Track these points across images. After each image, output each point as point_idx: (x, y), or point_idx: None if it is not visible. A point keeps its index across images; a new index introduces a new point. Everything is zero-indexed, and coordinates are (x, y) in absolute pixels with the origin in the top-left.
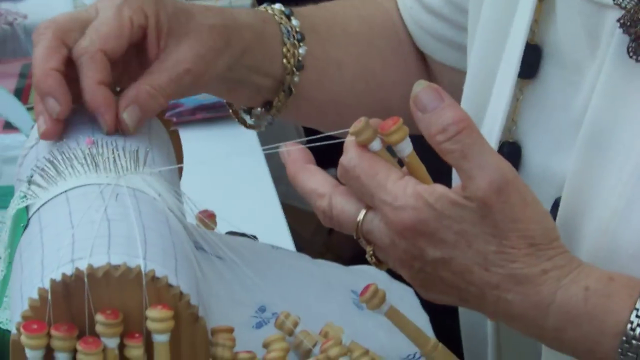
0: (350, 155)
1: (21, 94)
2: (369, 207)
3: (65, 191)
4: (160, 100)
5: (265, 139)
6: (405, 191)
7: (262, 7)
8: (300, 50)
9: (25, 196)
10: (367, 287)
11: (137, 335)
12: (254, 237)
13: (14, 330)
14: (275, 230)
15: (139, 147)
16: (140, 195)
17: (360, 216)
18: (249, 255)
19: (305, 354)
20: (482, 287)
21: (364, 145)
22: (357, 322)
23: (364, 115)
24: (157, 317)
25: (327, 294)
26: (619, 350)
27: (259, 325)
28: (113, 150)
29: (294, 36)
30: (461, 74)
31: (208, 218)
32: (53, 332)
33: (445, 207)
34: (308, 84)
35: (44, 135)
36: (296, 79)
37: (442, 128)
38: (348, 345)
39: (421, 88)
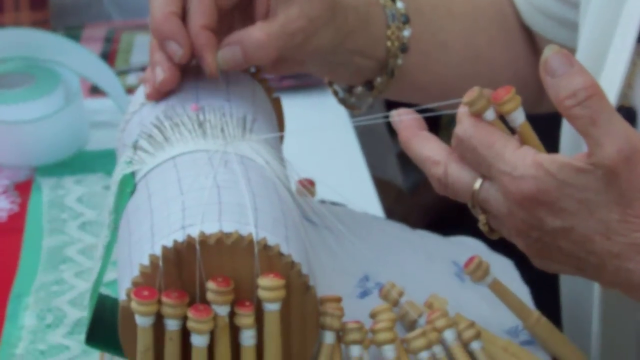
0: (465, 126)
1: (107, 58)
2: (485, 177)
3: (173, 157)
4: (268, 50)
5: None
6: (525, 161)
7: None
8: (405, 33)
9: (131, 161)
10: (471, 259)
11: (247, 303)
12: (344, 205)
13: (122, 296)
14: (364, 199)
15: (245, 114)
16: (248, 163)
17: (477, 185)
18: (352, 224)
19: (411, 325)
20: (602, 256)
21: (477, 115)
22: (460, 294)
23: None
24: (268, 286)
25: (429, 265)
26: None
27: (362, 295)
28: (220, 116)
29: (398, 18)
30: (571, 52)
31: (308, 186)
32: (164, 298)
33: (568, 175)
34: (412, 66)
35: (163, 85)
36: (399, 61)
37: (571, 92)
38: (453, 317)
39: (551, 52)
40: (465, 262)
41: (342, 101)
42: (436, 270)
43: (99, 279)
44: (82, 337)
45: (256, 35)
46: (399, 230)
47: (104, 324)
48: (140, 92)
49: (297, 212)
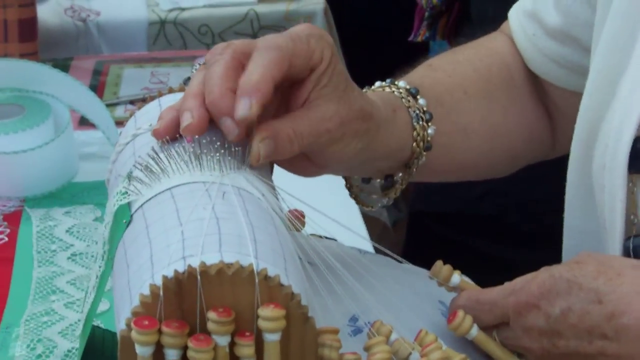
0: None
1: (95, 90)
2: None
3: (170, 188)
4: (294, 147)
5: None
6: (515, 282)
7: (387, 87)
8: (429, 131)
9: (127, 192)
10: (454, 314)
11: (247, 333)
12: (334, 240)
13: (122, 326)
14: (353, 235)
15: (240, 147)
16: (245, 195)
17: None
18: (341, 260)
19: None
20: (603, 329)
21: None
22: (448, 333)
23: (487, 170)
24: (269, 316)
25: (417, 305)
26: None
27: (354, 333)
28: (215, 149)
29: (422, 117)
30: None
31: (296, 219)
32: (164, 328)
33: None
34: (434, 159)
35: (187, 130)
36: (423, 159)
37: None
38: (445, 350)
39: None
40: (448, 317)
41: (355, 198)
42: (423, 311)
43: (93, 308)
44: None
45: (287, 131)
46: (386, 267)
47: (95, 353)
48: (132, 124)
49: (294, 245)
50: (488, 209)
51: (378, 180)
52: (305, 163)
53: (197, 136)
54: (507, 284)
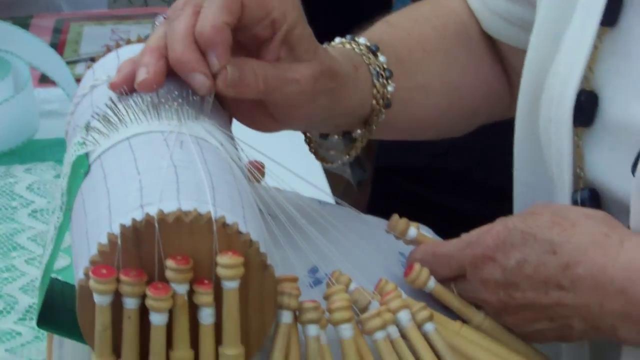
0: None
1: (55, 48)
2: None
3: (128, 138)
4: (259, 83)
5: None
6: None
7: (347, 43)
8: (389, 88)
9: (84, 142)
10: (410, 267)
11: (206, 281)
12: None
13: (80, 275)
14: (315, 190)
15: (198, 97)
16: (203, 144)
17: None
18: (299, 212)
19: (363, 310)
20: (558, 278)
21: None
22: (407, 285)
23: (446, 128)
24: (227, 264)
25: (376, 256)
26: None
27: (314, 284)
28: (173, 98)
29: (382, 74)
30: None
31: (257, 169)
32: (122, 277)
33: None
34: (393, 116)
35: (142, 85)
36: (382, 117)
37: None
38: (405, 299)
39: None
40: (405, 270)
41: (315, 153)
42: (383, 261)
43: (51, 260)
44: (34, 323)
45: (252, 66)
46: (347, 218)
47: (55, 306)
48: (90, 76)
49: (252, 194)
50: (455, 164)
51: (336, 136)
52: (266, 119)
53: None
54: (463, 237)
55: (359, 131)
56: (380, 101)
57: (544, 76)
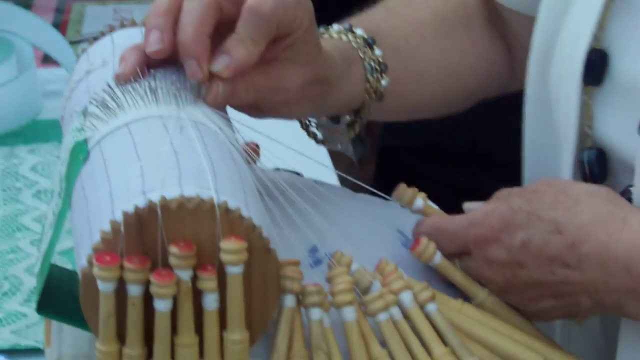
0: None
1: (58, 28)
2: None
3: (127, 123)
4: (250, 95)
5: None
6: (472, 213)
7: (344, 33)
8: (383, 82)
9: (82, 128)
10: (417, 241)
11: (209, 267)
12: (299, 174)
13: (82, 263)
14: (320, 168)
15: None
16: (202, 128)
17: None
18: (297, 193)
19: (365, 291)
20: (563, 256)
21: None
22: (408, 263)
23: (442, 109)
24: (230, 249)
25: (375, 234)
26: None
27: (314, 264)
28: (171, 82)
29: (376, 69)
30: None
31: (251, 150)
32: (126, 263)
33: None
34: (386, 106)
35: (155, 54)
36: (373, 108)
37: None
38: (407, 279)
39: None
40: (411, 244)
41: (313, 137)
42: (382, 239)
43: (50, 247)
44: None
45: (246, 79)
46: (344, 197)
47: (55, 292)
48: (84, 60)
49: (252, 177)
50: (460, 140)
51: (324, 119)
52: (254, 110)
53: (152, 70)
54: (468, 215)
55: (347, 117)
56: (373, 95)
57: (556, 35)
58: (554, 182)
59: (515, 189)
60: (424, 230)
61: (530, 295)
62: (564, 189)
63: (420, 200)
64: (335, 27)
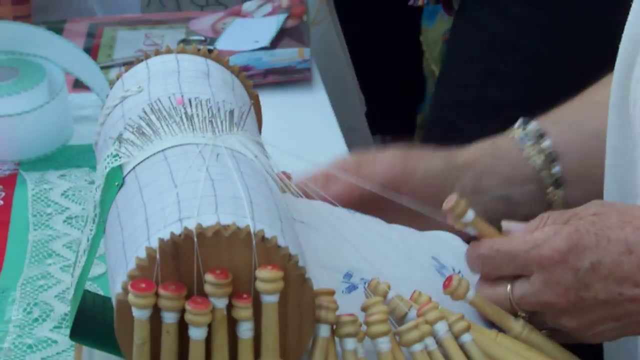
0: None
1: (89, 53)
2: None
3: (163, 150)
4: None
5: (336, 105)
6: (539, 232)
7: (530, 148)
8: (560, 194)
9: (118, 155)
10: (449, 278)
11: (245, 295)
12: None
13: (117, 290)
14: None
15: (232, 108)
16: (239, 156)
17: (508, 288)
18: (332, 220)
19: (400, 320)
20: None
21: (460, 217)
22: (442, 290)
23: None
24: (267, 278)
25: (410, 260)
26: None
27: (349, 290)
28: (207, 109)
29: (552, 183)
30: None
31: (286, 178)
32: (161, 291)
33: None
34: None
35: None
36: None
37: None
38: (442, 310)
39: None
40: (444, 282)
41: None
42: (417, 266)
43: (84, 272)
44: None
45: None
46: (378, 226)
47: (87, 318)
48: (119, 86)
49: (287, 206)
50: None
51: None
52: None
53: (186, 96)
54: (526, 236)
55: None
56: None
57: None
58: (613, 204)
59: (562, 211)
60: (481, 252)
61: (591, 318)
62: (627, 210)
63: (472, 212)
64: (521, 133)
